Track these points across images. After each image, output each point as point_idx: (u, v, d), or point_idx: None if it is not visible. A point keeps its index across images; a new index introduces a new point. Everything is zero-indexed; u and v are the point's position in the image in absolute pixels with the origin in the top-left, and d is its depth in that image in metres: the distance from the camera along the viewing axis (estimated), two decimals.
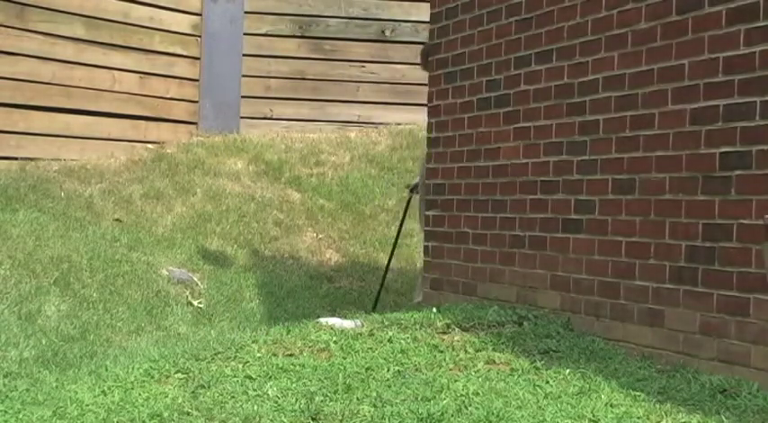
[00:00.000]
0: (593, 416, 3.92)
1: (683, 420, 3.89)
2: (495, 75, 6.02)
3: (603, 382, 4.40)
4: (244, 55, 11.14)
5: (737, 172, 4.39)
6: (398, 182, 9.79)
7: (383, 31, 11.34)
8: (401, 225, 7.79)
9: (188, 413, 4.03)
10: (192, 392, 4.32)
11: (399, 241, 8.38)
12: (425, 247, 6.69)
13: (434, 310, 5.64)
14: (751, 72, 4.35)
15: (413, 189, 7.64)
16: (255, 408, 4.06)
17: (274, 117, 11.23)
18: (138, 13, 10.42)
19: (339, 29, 11.36)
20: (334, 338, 5.04)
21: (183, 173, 9.71)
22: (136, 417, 4.01)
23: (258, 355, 4.83)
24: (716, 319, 4.48)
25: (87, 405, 4.19)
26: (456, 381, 4.42)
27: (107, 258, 7.35)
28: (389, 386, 4.35)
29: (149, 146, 10.32)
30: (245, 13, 11.13)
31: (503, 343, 5.05)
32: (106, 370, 4.68)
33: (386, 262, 7.98)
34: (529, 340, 5.09)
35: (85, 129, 9.94)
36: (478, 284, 6.09)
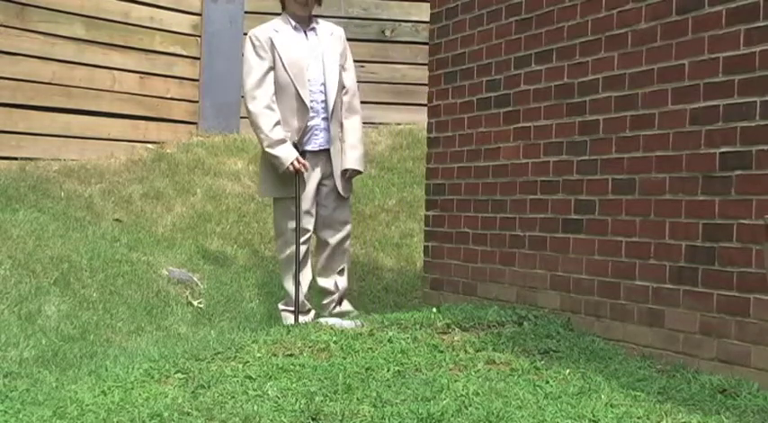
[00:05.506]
0: (593, 416, 3.92)
1: (682, 420, 3.89)
2: (495, 75, 6.02)
3: (603, 382, 4.40)
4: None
5: (737, 172, 4.39)
6: (398, 182, 9.78)
7: (383, 31, 11.32)
8: None
9: (188, 413, 4.03)
10: (192, 392, 4.32)
11: (399, 241, 8.37)
12: (425, 247, 6.69)
13: (434, 310, 5.64)
14: (751, 72, 4.35)
15: None
16: (255, 408, 4.06)
17: None
18: (138, 13, 10.40)
19: None
20: (334, 338, 5.04)
21: (183, 173, 9.69)
22: (136, 417, 4.01)
23: (258, 355, 4.83)
24: (716, 319, 4.48)
25: (87, 405, 4.18)
26: (456, 381, 4.41)
27: (107, 258, 7.34)
28: (389, 386, 4.35)
29: (149, 146, 10.31)
30: (245, 13, 11.10)
31: (503, 343, 5.05)
32: (106, 370, 4.68)
33: (386, 262, 7.96)
34: (529, 340, 5.09)
35: (85, 129, 9.93)
36: (478, 284, 6.09)
